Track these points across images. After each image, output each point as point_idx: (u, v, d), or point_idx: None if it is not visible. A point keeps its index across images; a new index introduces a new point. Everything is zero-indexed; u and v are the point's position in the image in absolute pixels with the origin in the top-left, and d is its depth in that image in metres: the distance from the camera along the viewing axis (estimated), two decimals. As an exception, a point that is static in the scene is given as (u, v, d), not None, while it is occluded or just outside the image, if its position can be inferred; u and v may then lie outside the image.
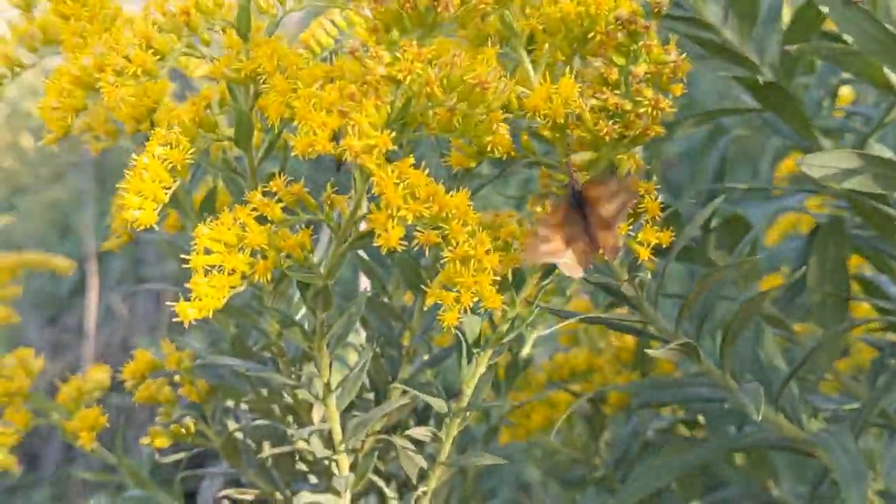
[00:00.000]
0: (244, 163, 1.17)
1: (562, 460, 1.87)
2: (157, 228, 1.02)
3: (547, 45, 1.07)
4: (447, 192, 0.98)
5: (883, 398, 1.33)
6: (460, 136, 1.01)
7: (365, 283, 1.48)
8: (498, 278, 0.99)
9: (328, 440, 1.25)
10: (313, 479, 1.36)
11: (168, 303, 0.99)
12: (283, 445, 1.30)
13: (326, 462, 1.28)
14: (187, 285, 0.96)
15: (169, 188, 0.99)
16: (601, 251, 1.05)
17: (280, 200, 1.02)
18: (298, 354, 1.28)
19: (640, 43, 1.03)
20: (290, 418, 1.34)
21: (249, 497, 1.33)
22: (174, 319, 0.97)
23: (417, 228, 0.97)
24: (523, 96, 1.05)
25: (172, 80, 1.23)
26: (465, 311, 0.99)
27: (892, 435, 1.53)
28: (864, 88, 1.80)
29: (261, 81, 1.06)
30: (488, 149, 1.01)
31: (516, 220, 1.10)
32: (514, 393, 1.73)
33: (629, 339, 1.79)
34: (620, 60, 1.04)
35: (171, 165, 0.99)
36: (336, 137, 0.93)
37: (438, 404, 1.19)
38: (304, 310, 1.27)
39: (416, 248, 0.98)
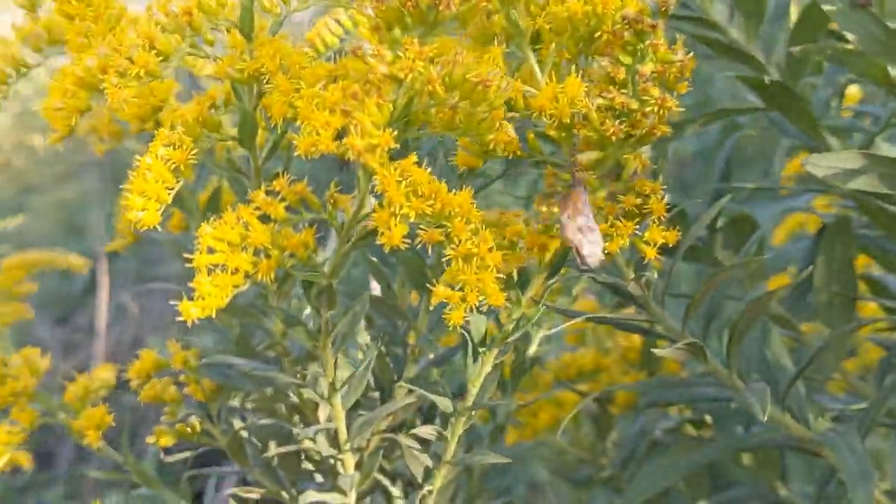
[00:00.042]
0: (249, 162, 1.17)
1: (569, 460, 1.87)
2: (165, 228, 1.02)
3: (553, 45, 1.07)
4: (453, 190, 0.98)
5: (890, 398, 1.33)
6: (462, 134, 1.01)
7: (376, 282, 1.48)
8: (502, 276, 0.99)
9: (334, 439, 1.25)
10: (319, 477, 1.36)
11: (171, 301, 0.99)
12: (289, 444, 1.30)
13: (332, 461, 1.28)
14: (190, 284, 0.96)
15: (172, 188, 0.99)
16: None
17: (283, 199, 1.02)
18: (303, 354, 1.28)
19: (647, 42, 1.03)
20: (295, 417, 1.34)
21: (255, 496, 1.34)
22: (179, 318, 0.97)
23: (420, 227, 0.97)
24: (529, 96, 1.05)
25: (181, 79, 1.24)
26: (471, 310, 0.98)
27: (900, 435, 1.53)
28: (873, 87, 1.80)
29: (264, 81, 1.06)
30: (491, 147, 1.01)
31: (522, 219, 1.10)
32: (521, 392, 1.73)
33: (636, 339, 1.79)
34: (627, 59, 1.04)
35: (174, 166, 0.99)
36: (339, 136, 0.93)
37: (444, 403, 1.19)
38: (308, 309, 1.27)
39: (419, 246, 0.98)
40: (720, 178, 1.69)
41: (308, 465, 1.35)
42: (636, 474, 1.47)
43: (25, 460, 1.42)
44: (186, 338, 1.38)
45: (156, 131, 1.03)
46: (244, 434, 1.37)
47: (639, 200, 1.07)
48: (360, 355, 1.32)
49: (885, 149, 1.45)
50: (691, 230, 1.18)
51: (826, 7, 1.20)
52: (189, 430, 1.36)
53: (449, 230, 0.97)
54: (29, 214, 5.12)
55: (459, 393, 1.19)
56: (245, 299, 1.25)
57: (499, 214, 1.10)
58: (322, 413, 1.30)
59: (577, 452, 1.82)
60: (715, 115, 1.50)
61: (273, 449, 1.33)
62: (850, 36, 1.20)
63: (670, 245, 1.08)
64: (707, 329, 1.31)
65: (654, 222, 1.07)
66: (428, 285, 1.01)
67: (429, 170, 0.96)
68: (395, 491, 1.34)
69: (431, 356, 1.42)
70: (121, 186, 0.99)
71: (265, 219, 1.01)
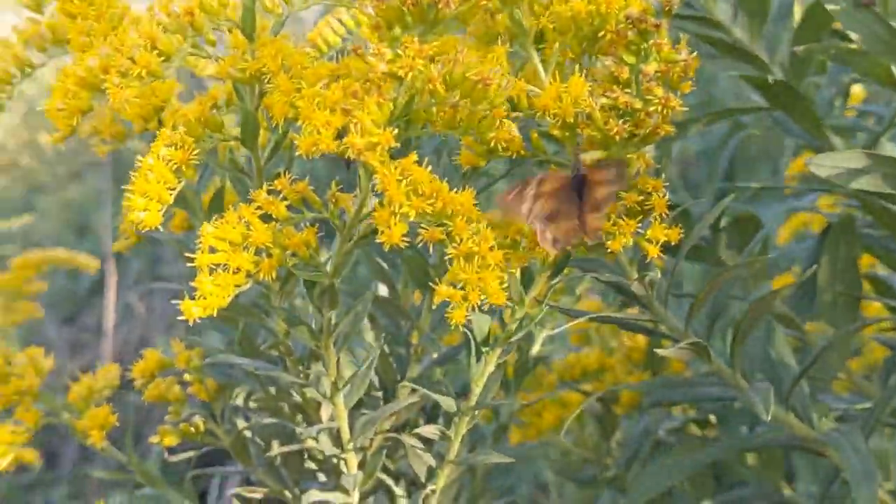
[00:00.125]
0: (251, 163, 1.17)
1: (573, 460, 1.87)
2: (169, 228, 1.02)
3: (557, 44, 1.07)
4: (455, 189, 0.98)
5: (895, 397, 1.33)
6: (463, 132, 1.01)
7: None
8: (504, 275, 0.99)
9: (337, 438, 1.25)
10: (322, 477, 1.36)
11: (174, 301, 0.99)
12: (292, 444, 1.30)
13: (335, 460, 1.28)
14: (192, 284, 0.97)
15: (174, 189, 0.99)
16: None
17: (285, 199, 1.02)
18: (306, 353, 1.28)
19: (651, 41, 1.03)
20: (298, 417, 1.34)
21: (259, 495, 1.34)
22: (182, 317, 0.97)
23: (422, 225, 0.97)
24: (533, 95, 1.05)
25: (184, 80, 1.24)
26: (473, 310, 0.98)
27: (905, 434, 1.53)
28: (877, 87, 1.79)
29: (265, 81, 1.06)
30: (492, 145, 1.01)
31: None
32: (525, 392, 1.73)
33: (641, 339, 1.79)
34: (631, 59, 1.04)
35: (175, 166, 0.99)
36: (341, 136, 0.93)
37: (447, 403, 1.19)
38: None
39: (420, 245, 0.98)
40: (724, 177, 1.69)
41: (311, 465, 1.35)
42: (640, 474, 1.47)
43: (33, 457, 1.43)
44: (192, 338, 1.38)
45: (158, 131, 1.03)
46: (247, 433, 1.37)
47: (641, 198, 1.07)
48: (365, 354, 1.32)
49: (889, 148, 1.45)
50: (694, 230, 1.18)
51: (830, 6, 1.19)
52: (193, 429, 1.36)
53: (450, 229, 0.97)
54: (36, 214, 5.13)
55: (463, 392, 1.19)
56: (248, 299, 1.25)
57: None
58: (325, 412, 1.30)
59: (581, 452, 1.82)
60: (719, 115, 1.50)
61: (276, 448, 1.33)
62: (853, 35, 1.20)
63: (673, 244, 1.08)
64: (711, 329, 1.31)
65: (656, 220, 1.07)
66: (431, 284, 1.01)
67: (429, 168, 0.96)
68: (399, 490, 1.34)
69: (435, 355, 1.42)
70: (122, 187, 0.99)
71: (267, 218, 1.02)
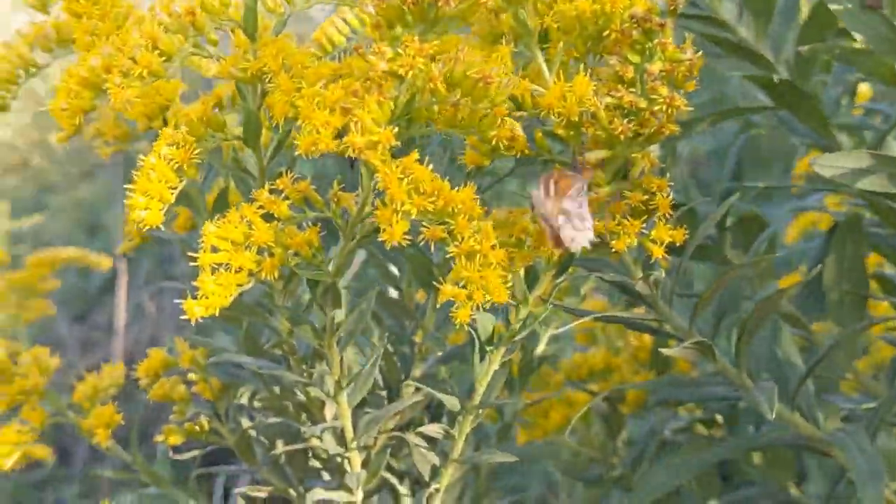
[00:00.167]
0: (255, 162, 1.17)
1: (579, 459, 1.87)
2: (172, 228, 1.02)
3: (561, 43, 1.07)
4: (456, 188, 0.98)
5: (901, 397, 1.33)
6: (465, 131, 1.01)
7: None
8: (507, 274, 0.99)
9: (341, 437, 1.26)
10: (326, 476, 1.36)
11: (176, 300, 0.99)
12: (297, 443, 1.31)
13: (339, 459, 1.28)
14: (194, 283, 0.97)
15: (175, 188, 1.00)
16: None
17: (287, 198, 1.03)
18: (310, 352, 1.28)
19: (656, 41, 1.02)
20: (303, 416, 1.34)
21: (263, 494, 1.34)
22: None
23: (423, 224, 0.97)
24: (537, 94, 1.05)
25: (192, 80, 1.24)
26: (478, 308, 0.98)
27: (911, 434, 1.52)
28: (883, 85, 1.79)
29: (267, 80, 1.07)
30: (493, 143, 1.01)
31: (530, 216, 1.10)
32: (531, 392, 1.73)
33: (647, 339, 1.79)
34: (635, 58, 1.03)
35: (177, 165, 1.00)
36: (341, 135, 0.93)
37: (451, 402, 1.19)
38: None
39: (422, 243, 0.98)
40: (731, 176, 1.68)
41: (316, 464, 1.35)
42: (645, 473, 1.47)
43: (46, 453, 1.44)
44: (200, 338, 1.38)
45: (161, 130, 1.03)
46: (252, 432, 1.38)
47: (645, 197, 1.07)
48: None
49: (895, 147, 1.45)
50: (700, 229, 1.18)
51: (833, 7, 1.19)
52: (197, 428, 1.36)
53: (452, 227, 0.97)
54: (47, 213, 5.15)
55: (469, 392, 1.19)
56: (252, 298, 1.25)
57: (507, 213, 1.10)
58: (329, 411, 1.31)
59: (587, 452, 1.82)
60: (724, 115, 1.49)
61: (280, 447, 1.33)
62: (857, 35, 1.19)
63: (678, 244, 1.08)
64: (716, 328, 1.31)
65: (661, 220, 1.07)
66: (435, 283, 1.01)
67: (430, 167, 0.96)
68: (403, 489, 1.34)
69: (439, 354, 1.42)
70: (124, 186, 0.99)
71: (270, 218, 1.02)
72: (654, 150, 1.12)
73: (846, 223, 1.50)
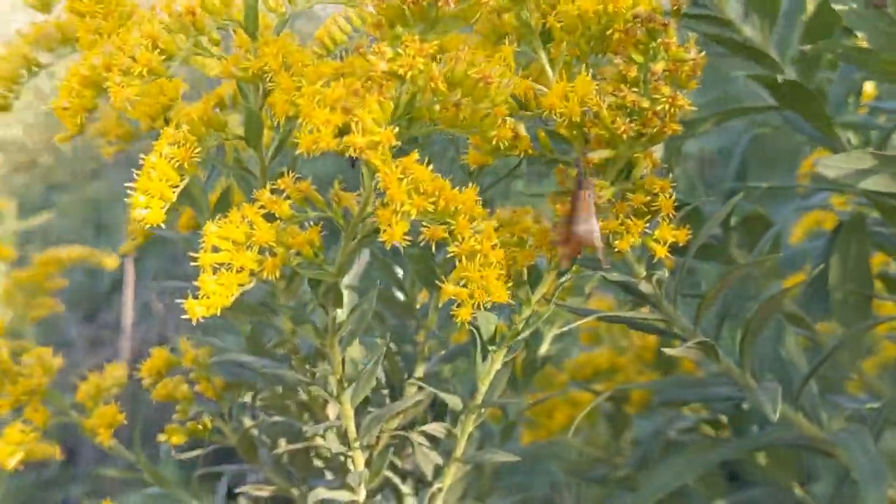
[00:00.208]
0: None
1: (584, 459, 1.87)
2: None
3: (564, 43, 1.07)
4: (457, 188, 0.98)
5: (906, 396, 1.32)
6: (465, 131, 1.00)
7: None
8: (506, 273, 0.99)
9: (344, 436, 1.26)
10: (329, 475, 1.36)
11: (178, 300, 0.99)
12: (299, 442, 1.31)
13: (342, 458, 1.28)
14: (195, 283, 0.97)
15: (176, 187, 1.00)
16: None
17: (288, 198, 1.02)
18: (312, 351, 1.28)
19: (659, 40, 1.02)
20: (305, 415, 1.34)
21: (266, 493, 1.34)
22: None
23: (424, 224, 0.97)
24: (540, 94, 1.05)
25: (198, 81, 1.24)
26: (479, 308, 0.98)
27: (916, 434, 1.52)
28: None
29: (268, 79, 1.06)
30: (494, 143, 1.01)
31: (532, 216, 1.09)
32: (536, 392, 1.73)
33: (652, 339, 1.79)
34: (639, 58, 1.03)
35: (178, 164, 1.00)
36: (342, 134, 0.93)
37: (453, 401, 1.19)
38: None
39: (422, 243, 0.98)
40: (736, 176, 1.68)
41: (319, 463, 1.35)
42: (649, 473, 1.47)
43: (54, 452, 1.44)
44: (205, 338, 1.38)
45: (163, 130, 1.03)
46: (255, 432, 1.38)
47: (648, 198, 1.07)
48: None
49: (900, 146, 1.44)
50: (703, 228, 1.17)
51: (837, 7, 1.19)
52: (200, 427, 1.36)
53: (452, 227, 0.97)
54: (55, 212, 5.16)
55: (471, 391, 1.19)
56: (256, 297, 1.26)
57: (512, 212, 1.10)
58: (332, 410, 1.31)
59: (592, 452, 1.82)
60: (727, 114, 1.49)
61: (283, 446, 1.33)
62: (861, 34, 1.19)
63: (682, 244, 1.08)
64: (720, 328, 1.31)
65: (664, 220, 1.06)
66: (437, 282, 1.01)
67: (431, 167, 0.96)
68: (406, 488, 1.34)
69: (442, 353, 1.42)
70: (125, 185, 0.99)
71: (271, 217, 1.02)
72: (658, 149, 1.12)
73: (850, 223, 1.49)
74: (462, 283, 0.97)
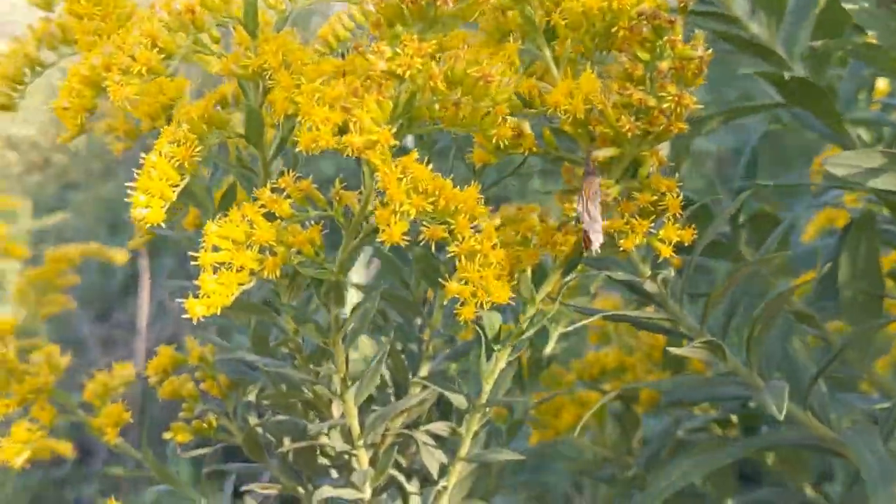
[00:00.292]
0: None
1: (593, 459, 1.86)
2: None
3: (569, 41, 1.06)
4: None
5: (915, 396, 1.31)
6: (466, 129, 1.00)
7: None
8: (509, 272, 0.98)
9: (348, 435, 1.25)
10: (335, 473, 1.36)
11: (178, 300, 0.99)
12: (304, 440, 1.30)
13: (346, 456, 1.28)
14: (195, 282, 0.97)
15: (177, 186, 0.99)
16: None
17: (289, 196, 1.02)
18: (316, 350, 1.28)
19: (665, 38, 1.01)
20: (310, 413, 1.34)
21: (272, 491, 1.34)
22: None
23: (424, 223, 0.97)
24: (545, 92, 1.04)
25: (204, 80, 1.24)
26: (481, 306, 0.98)
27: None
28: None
29: (268, 77, 1.06)
30: (493, 140, 1.00)
31: (538, 214, 1.09)
32: (542, 391, 1.73)
33: (660, 338, 1.78)
34: (645, 56, 1.03)
35: (178, 163, 0.99)
36: (343, 132, 0.93)
37: (458, 400, 1.19)
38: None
39: (422, 243, 0.97)
40: (746, 173, 1.67)
41: (324, 461, 1.35)
42: (657, 472, 1.46)
43: (67, 450, 1.44)
44: (215, 337, 1.38)
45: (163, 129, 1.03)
46: (260, 430, 1.38)
47: (654, 198, 1.06)
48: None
49: (910, 143, 1.44)
50: (710, 227, 1.17)
51: (848, 6, 1.18)
52: (206, 426, 1.36)
53: (452, 227, 0.96)
54: (69, 211, 5.17)
55: (477, 390, 1.19)
56: (260, 296, 1.25)
57: (516, 210, 1.09)
58: (336, 409, 1.30)
59: (600, 451, 1.81)
60: (734, 113, 1.48)
61: (288, 444, 1.33)
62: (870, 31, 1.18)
63: (686, 244, 1.07)
64: (727, 327, 1.30)
65: (669, 220, 1.06)
66: (441, 281, 1.01)
67: (431, 166, 0.96)
68: (410, 487, 1.34)
69: (447, 351, 1.42)
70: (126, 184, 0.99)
71: (272, 216, 1.01)
72: (664, 148, 1.11)
73: (859, 221, 1.48)
74: (464, 281, 0.96)
